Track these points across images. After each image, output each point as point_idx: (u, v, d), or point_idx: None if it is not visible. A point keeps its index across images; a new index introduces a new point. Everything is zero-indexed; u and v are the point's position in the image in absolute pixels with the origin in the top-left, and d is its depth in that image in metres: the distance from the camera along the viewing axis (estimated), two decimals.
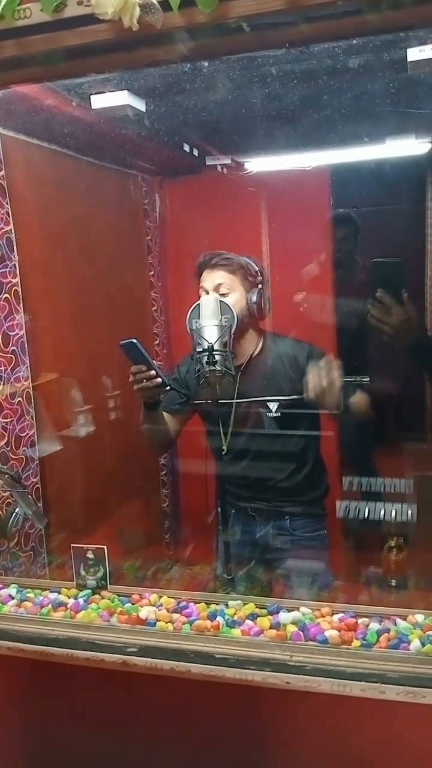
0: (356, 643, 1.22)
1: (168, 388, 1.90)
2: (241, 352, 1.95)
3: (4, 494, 2.05)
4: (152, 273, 3.39)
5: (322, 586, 1.60)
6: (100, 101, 2.28)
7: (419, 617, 1.29)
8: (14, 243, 2.43)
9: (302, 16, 1.10)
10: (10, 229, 2.42)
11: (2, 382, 2.38)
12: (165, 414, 2.00)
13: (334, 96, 2.19)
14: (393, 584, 1.93)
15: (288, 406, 1.93)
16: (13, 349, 2.43)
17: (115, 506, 2.79)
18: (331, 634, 1.24)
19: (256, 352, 1.97)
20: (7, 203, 2.40)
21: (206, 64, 1.92)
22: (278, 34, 1.15)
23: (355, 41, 1.47)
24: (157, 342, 3.34)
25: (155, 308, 3.39)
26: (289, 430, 1.98)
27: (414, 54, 1.57)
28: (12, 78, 1.26)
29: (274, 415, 1.95)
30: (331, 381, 1.67)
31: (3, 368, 2.38)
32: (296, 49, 1.51)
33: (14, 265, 2.43)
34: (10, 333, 2.42)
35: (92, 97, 2.25)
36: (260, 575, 1.89)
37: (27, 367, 2.50)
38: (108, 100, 2.27)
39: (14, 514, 2.01)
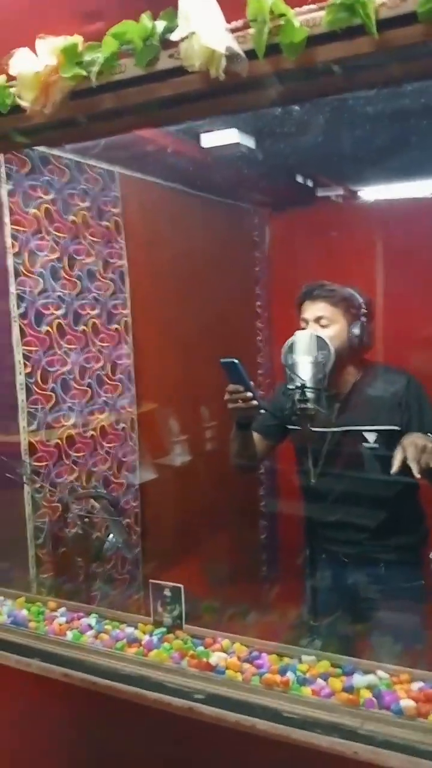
0: None
1: (262, 411, 1.89)
2: (340, 384, 1.91)
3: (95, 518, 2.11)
4: (259, 303, 3.41)
5: (406, 648, 1.49)
6: (210, 140, 2.35)
7: None
8: (126, 277, 2.54)
9: (394, 57, 1.07)
10: (123, 264, 2.53)
11: (108, 409, 2.47)
12: (255, 434, 1.97)
13: None
14: None
15: (386, 437, 1.85)
16: (120, 378, 2.53)
17: (209, 537, 2.79)
18: (406, 704, 1.15)
19: (355, 384, 1.91)
20: (122, 239, 2.52)
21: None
22: (369, 74, 1.12)
23: None
24: (260, 371, 3.34)
25: (260, 338, 3.40)
26: (385, 463, 1.90)
27: None
28: (112, 127, 1.31)
29: (372, 446, 1.87)
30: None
31: (110, 395, 2.47)
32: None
33: (125, 297, 2.54)
34: (118, 362, 2.52)
35: (202, 135, 2.33)
36: (345, 627, 1.81)
37: (132, 395, 2.58)
38: (218, 138, 2.34)
39: (110, 538, 2.07)
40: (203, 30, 1.01)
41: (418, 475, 1.57)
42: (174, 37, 1.05)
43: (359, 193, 3.09)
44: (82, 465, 2.28)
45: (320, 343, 1.79)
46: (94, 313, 2.34)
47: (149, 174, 2.67)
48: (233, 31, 1.05)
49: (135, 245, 2.57)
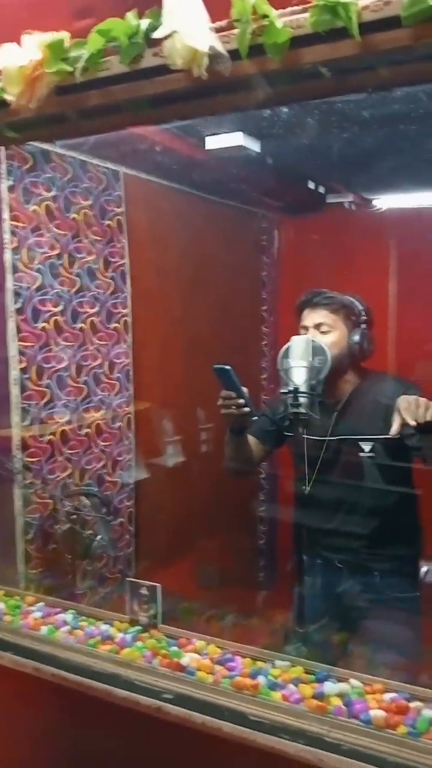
0: (403, 729, 1.11)
1: (255, 418, 1.88)
2: (339, 391, 1.91)
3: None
4: (265, 307, 3.40)
5: (389, 658, 1.48)
6: (214, 142, 2.35)
7: None
8: (128, 276, 2.55)
9: (381, 61, 1.06)
10: (125, 263, 2.54)
11: (105, 407, 2.48)
12: (252, 438, 1.97)
13: None
14: None
15: (383, 446, 1.84)
16: (118, 376, 2.53)
17: (204, 539, 2.79)
18: (376, 714, 1.14)
19: (353, 392, 1.91)
20: (124, 239, 2.53)
21: (320, 103, 1.92)
22: (356, 78, 1.11)
23: None
24: (264, 376, 3.33)
25: (265, 342, 3.39)
26: (382, 472, 1.88)
27: None
28: (102, 124, 1.31)
29: (368, 454, 1.86)
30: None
31: (107, 394, 2.48)
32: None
33: (126, 296, 2.55)
34: (116, 361, 2.52)
35: (207, 138, 2.33)
36: (332, 635, 1.80)
37: (130, 394, 2.59)
38: (223, 141, 2.34)
39: (100, 537, 2.07)
40: (186, 29, 1.02)
41: (413, 423, 1.55)
42: (157, 35, 1.05)
43: (372, 201, 3.08)
44: (75, 462, 2.29)
45: (317, 348, 1.79)
46: (93, 311, 2.35)
47: (154, 175, 2.68)
48: (217, 30, 1.05)
49: (138, 245, 2.58)
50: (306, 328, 1.89)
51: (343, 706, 1.17)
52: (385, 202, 3.05)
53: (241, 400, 1.77)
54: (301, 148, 2.43)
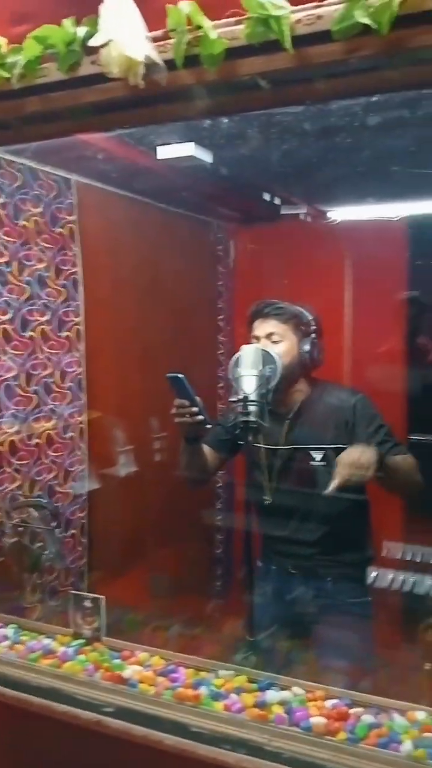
0: (342, 735, 1.12)
1: (208, 426, 1.88)
2: (290, 400, 1.93)
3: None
4: (221, 317, 3.41)
5: (334, 664, 1.48)
6: (166, 152, 2.36)
7: (421, 714, 1.16)
8: (80, 284, 2.52)
9: (316, 73, 1.08)
10: (77, 271, 2.51)
11: (56, 417, 2.44)
12: (207, 447, 1.97)
13: (405, 145, 2.15)
14: (428, 668, 1.77)
15: (333, 455, 1.86)
16: (70, 385, 2.50)
17: (159, 549, 2.76)
18: (316, 721, 1.14)
19: (305, 401, 1.93)
20: (76, 247, 2.50)
21: (272, 114, 1.94)
22: (296, 90, 1.13)
23: None
24: (221, 385, 3.34)
25: (221, 351, 3.39)
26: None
27: None
28: (44, 131, 1.31)
29: (319, 463, 1.88)
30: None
31: (58, 403, 2.44)
32: (369, 98, 1.49)
33: (78, 305, 2.52)
34: (68, 370, 2.49)
35: (158, 148, 2.33)
36: (282, 642, 1.80)
37: (83, 403, 2.56)
38: (174, 151, 2.34)
39: (49, 550, 2.03)
40: (122, 37, 1.02)
41: (330, 490, 1.66)
42: (94, 42, 1.04)
43: (327, 213, 3.12)
44: (25, 473, 2.25)
45: (267, 357, 1.80)
46: (43, 319, 2.32)
47: (109, 184, 2.67)
48: (154, 40, 1.05)
49: (91, 253, 2.56)
50: (257, 338, 1.91)
51: (284, 714, 1.17)
52: (340, 214, 3.09)
53: (195, 409, 1.77)
54: (253, 159, 2.45)
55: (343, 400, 1.91)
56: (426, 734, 1.11)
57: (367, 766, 1.06)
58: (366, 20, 0.90)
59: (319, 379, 1.99)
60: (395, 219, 2.84)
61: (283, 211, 3.13)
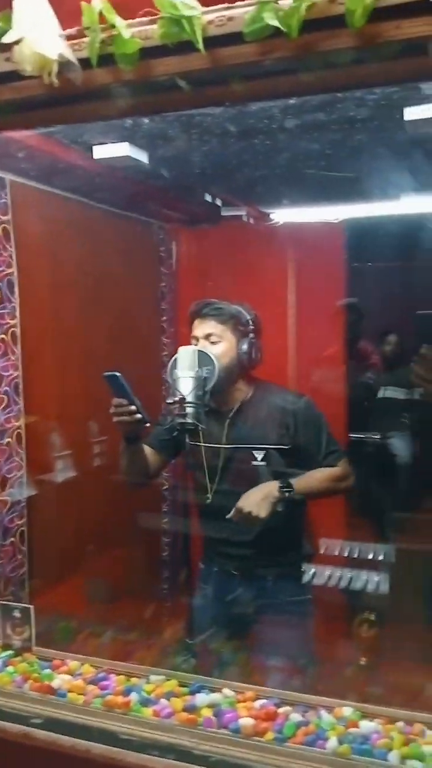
0: (270, 735, 1.12)
1: (147, 424, 1.87)
2: (230, 400, 1.92)
3: None
4: (164, 318, 3.40)
5: (267, 664, 1.49)
6: (101, 152, 2.33)
7: (347, 710, 1.17)
8: (15, 285, 2.46)
9: (234, 75, 1.08)
10: (12, 272, 2.45)
11: None
12: (148, 448, 1.95)
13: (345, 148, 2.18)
14: (363, 663, 1.80)
15: (274, 454, 1.87)
16: (6, 390, 2.44)
17: (100, 554, 2.73)
18: (245, 722, 1.14)
19: (245, 400, 1.93)
20: (11, 247, 2.45)
21: (212, 114, 1.94)
22: (214, 91, 1.12)
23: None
24: (165, 386, 3.32)
25: (165, 353, 3.38)
26: (274, 479, 1.91)
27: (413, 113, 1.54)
28: None
29: (260, 463, 1.88)
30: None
31: None
32: (309, 98, 1.49)
33: (13, 307, 2.46)
34: (4, 373, 2.43)
35: (94, 147, 2.30)
36: (221, 644, 1.80)
37: (20, 408, 2.50)
38: (109, 151, 2.32)
39: None
40: (35, 35, 1.00)
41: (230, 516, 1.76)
42: (6, 39, 1.02)
43: (269, 215, 3.14)
44: None
45: (204, 358, 1.80)
46: None
47: (45, 183, 2.62)
48: (68, 38, 1.03)
49: (28, 254, 2.50)
50: (196, 339, 1.90)
51: (213, 717, 1.17)
52: (282, 216, 3.12)
53: (133, 407, 1.75)
54: (190, 160, 2.45)
55: (288, 401, 1.92)
56: (351, 730, 1.12)
57: (293, 764, 1.07)
58: (275, 23, 0.91)
59: (261, 379, 2.00)
60: (335, 221, 2.88)
61: (225, 213, 3.14)
